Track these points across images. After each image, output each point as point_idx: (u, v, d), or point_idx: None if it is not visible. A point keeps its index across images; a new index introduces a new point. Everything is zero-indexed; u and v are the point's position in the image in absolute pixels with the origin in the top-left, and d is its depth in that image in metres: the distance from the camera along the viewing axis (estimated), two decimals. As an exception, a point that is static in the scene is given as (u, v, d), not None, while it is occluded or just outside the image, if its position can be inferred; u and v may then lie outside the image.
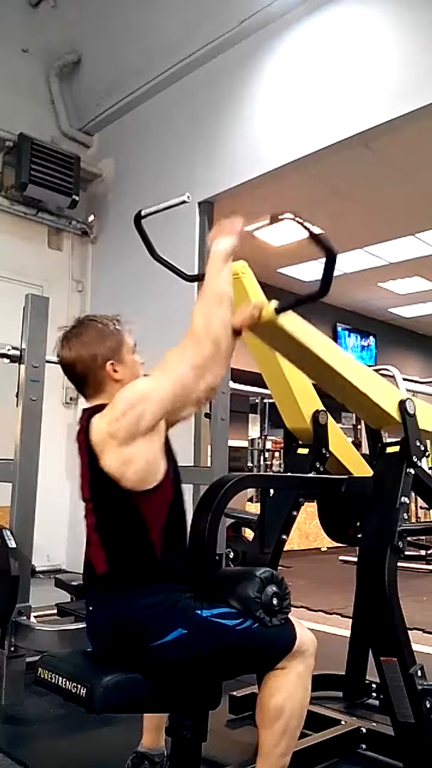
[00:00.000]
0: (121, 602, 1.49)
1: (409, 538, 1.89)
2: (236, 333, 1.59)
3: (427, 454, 2.04)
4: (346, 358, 1.93)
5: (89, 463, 1.53)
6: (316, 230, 1.57)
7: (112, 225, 5.52)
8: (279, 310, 1.65)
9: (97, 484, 1.53)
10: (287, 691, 1.50)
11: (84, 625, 1.63)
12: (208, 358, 1.48)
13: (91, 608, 1.59)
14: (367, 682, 2.46)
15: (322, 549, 7.38)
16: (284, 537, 2.19)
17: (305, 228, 1.58)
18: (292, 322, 1.71)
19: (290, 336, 1.71)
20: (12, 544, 2.46)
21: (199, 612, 1.46)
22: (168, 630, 1.43)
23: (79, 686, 1.42)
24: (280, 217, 1.63)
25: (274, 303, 1.66)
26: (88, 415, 1.58)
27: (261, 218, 1.76)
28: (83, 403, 1.68)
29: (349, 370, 1.87)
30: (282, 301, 1.65)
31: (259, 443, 8.75)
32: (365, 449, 3.16)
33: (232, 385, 3.79)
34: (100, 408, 1.57)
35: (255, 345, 2.09)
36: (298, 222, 1.60)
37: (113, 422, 1.47)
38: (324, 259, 1.60)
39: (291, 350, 1.85)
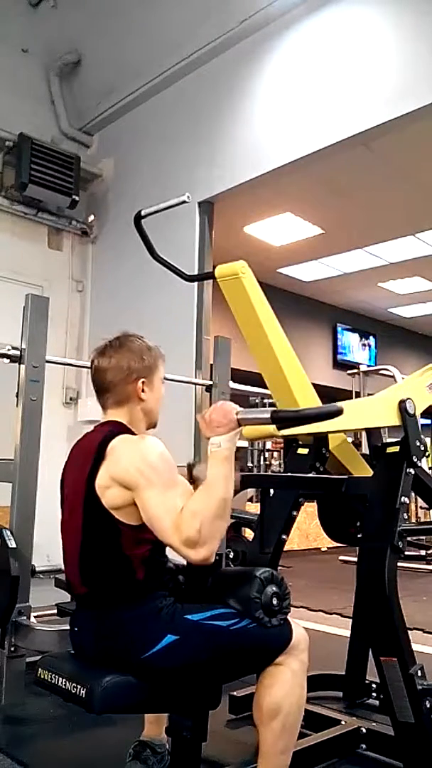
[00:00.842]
0: (104, 619, 1.49)
1: (409, 538, 1.89)
2: None
3: (427, 454, 2.04)
4: (350, 411, 1.96)
5: (90, 472, 1.51)
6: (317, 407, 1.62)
7: (112, 225, 5.51)
8: (281, 428, 1.65)
9: (88, 497, 1.51)
10: (283, 688, 1.51)
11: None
12: (188, 557, 1.40)
13: (76, 629, 1.59)
14: (367, 682, 2.45)
15: (322, 549, 7.38)
16: (284, 537, 2.19)
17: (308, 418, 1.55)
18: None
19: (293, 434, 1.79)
20: (12, 544, 2.46)
21: (188, 617, 1.46)
22: (157, 639, 1.43)
23: (78, 687, 1.42)
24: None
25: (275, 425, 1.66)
26: (109, 430, 1.56)
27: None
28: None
29: (350, 422, 1.99)
30: (283, 421, 1.59)
31: (259, 443, 8.74)
32: (365, 449, 3.16)
33: (232, 385, 3.79)
34: (121, 427, 1.57)
35: (255, 345, 2.09)
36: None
37: (128, 461, 1.46)
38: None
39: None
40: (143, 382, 1.64)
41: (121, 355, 1.64)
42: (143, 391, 1.64)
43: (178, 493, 1.43)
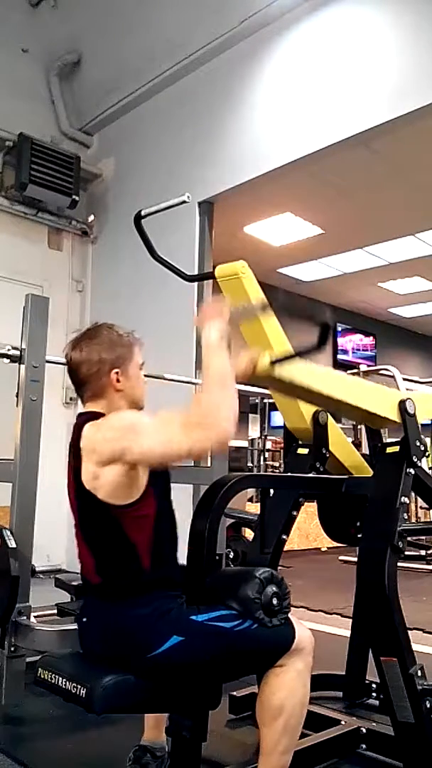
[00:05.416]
0: (113, 614, 1.50)
1: (409, 538, 1.89)
2: None
3: (427, 454, 2.04)
4: (342, 380, 1.98)
5: (75, 469, 1.54)
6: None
7: (112, 225, 5.52)
8: (274, 362, 1.66)
9: (80, 494, 1.53)
10: (287, 689, 1.50)
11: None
12: (210, 445, 1.43)
13: (84, 619, 1.59)
14: (367, 682, 2.45)
15: (322, 549, 7.37)
16: (284, 537, 2.19)
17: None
18: (286, 369, 1.72)
19: (286, 380, 1.75)
20: (12, 544, 2.46)
21: (194, 617, 1.46)
22: (163, 640, 1.43)
23: (79, 687, 1.42)
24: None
25: (269, 356, 1.67)
26: (82, 420, 1.58)
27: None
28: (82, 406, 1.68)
29: (346, 392, 1.92)
30: (276, 354, 1.68)
31: (259, 443, 8.74)
32: (365, 449, 3.16)
33: (232, 385, 3.78)
34: (95, 416, 1.57)
35: (254, 345, 2.09)
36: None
37: (101, 440, 1.48)
38: (320, 328, 1.64)
39: (288, 389, 1.90)
40: (117, 372, 1.63)
41: (92, 348, 1.64)
42: (118, 381, 1.64)
43: (165, 418, 1.43)
